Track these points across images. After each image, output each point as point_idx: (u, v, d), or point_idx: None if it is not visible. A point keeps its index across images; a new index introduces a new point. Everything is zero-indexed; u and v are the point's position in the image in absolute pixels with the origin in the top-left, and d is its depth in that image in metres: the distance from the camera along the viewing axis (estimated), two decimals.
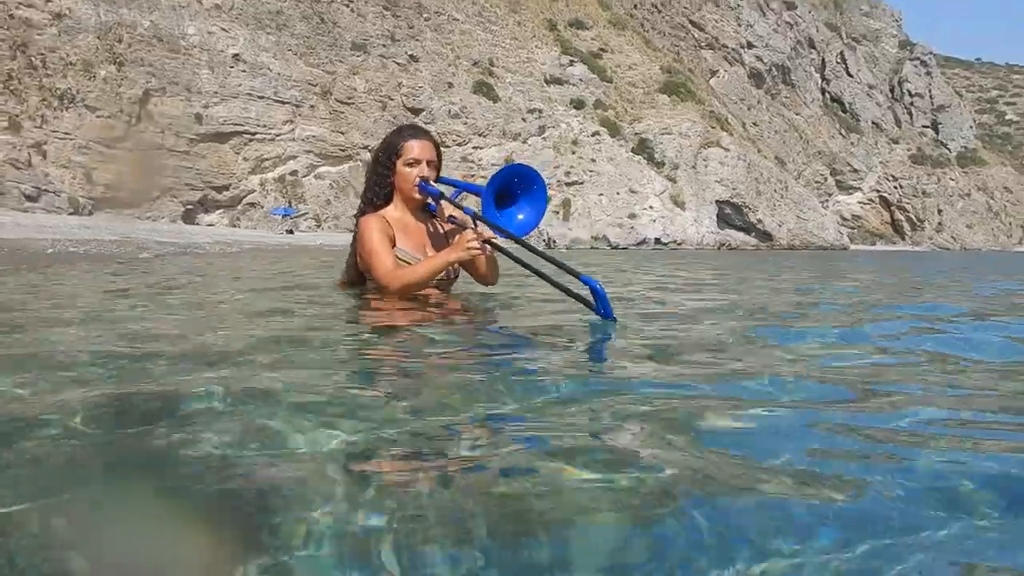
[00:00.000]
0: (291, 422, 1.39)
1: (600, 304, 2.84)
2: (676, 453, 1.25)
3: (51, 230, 17.09)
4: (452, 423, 1.48)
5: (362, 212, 3.51)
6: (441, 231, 3.57)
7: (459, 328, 2.90)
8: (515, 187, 3.23)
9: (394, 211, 3.47)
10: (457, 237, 3.25)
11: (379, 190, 3.49)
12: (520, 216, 3.23)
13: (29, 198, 28.88)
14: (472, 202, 3.61)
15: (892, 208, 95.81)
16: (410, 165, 3.41)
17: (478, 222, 3.24)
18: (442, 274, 3.33)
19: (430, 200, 3.50)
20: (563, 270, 3.00)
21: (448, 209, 3.53)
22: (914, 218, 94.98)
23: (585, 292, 2.89)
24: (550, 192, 3.27)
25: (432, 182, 3.46)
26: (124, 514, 1.08)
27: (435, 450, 1.32)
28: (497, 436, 1.41)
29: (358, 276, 3.59)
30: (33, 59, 32.99)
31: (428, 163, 3.44)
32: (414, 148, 3.43)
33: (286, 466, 1.20)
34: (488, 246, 3.19)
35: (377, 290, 3.41)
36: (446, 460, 1.26)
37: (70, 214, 29.19)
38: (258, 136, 40.07)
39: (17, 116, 31.22)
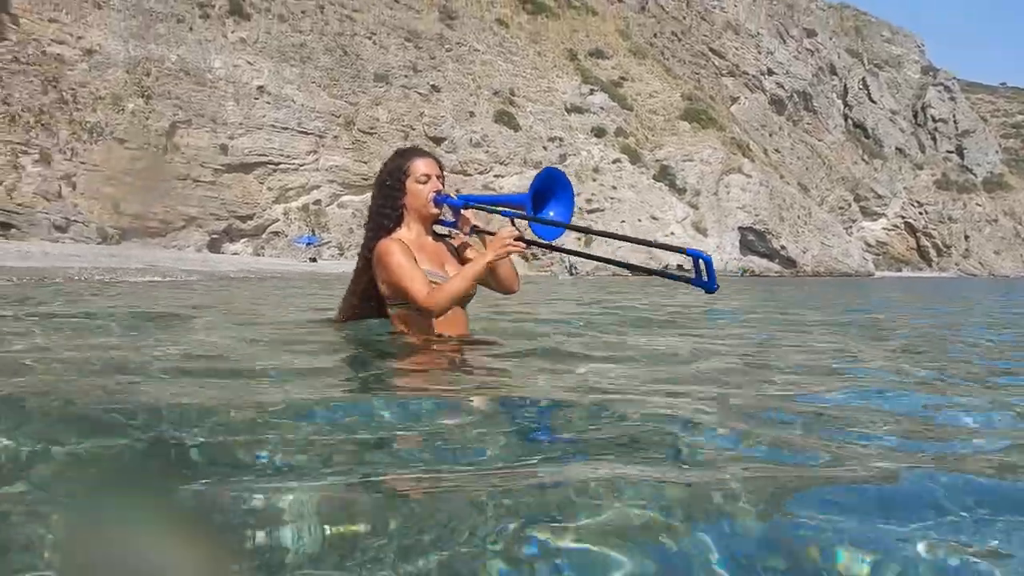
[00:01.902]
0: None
1: (708, 274, 3.03)
2: None
3: (79, 259, 17.39)
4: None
5: (373, 239, 3.38)
6: (455, 246, 3.53)
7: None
8: (546, 193, 3.31)
9: (408, 233, 3.37)
10: (491, 238, 3.23)
11: (390, 212, 3.38)
12: (551, 213, 3.31)
13: (59, 228, 29.41)
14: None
15: (918, 234, 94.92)
16: (421, 182, 3.35)
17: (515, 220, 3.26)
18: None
19: (443, 216, 3.46)
20: (660, 248, 3.20)
21: (472, 219, 3.45)
22: (940, 244, 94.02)
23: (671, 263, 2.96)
24: (572, 220, 3.39)
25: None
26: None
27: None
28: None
29: (363, 307, 3.54)
30: (64, 93, 33.71)
31: (437, 177, 3.40)
32: (421, 166, 3.37)
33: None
34: (524, 243, 3.18)
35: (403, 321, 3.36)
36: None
37: (98, 244, 29.66)
38: (282, 166, 40.58)
39: (48, 149, 31.87)
